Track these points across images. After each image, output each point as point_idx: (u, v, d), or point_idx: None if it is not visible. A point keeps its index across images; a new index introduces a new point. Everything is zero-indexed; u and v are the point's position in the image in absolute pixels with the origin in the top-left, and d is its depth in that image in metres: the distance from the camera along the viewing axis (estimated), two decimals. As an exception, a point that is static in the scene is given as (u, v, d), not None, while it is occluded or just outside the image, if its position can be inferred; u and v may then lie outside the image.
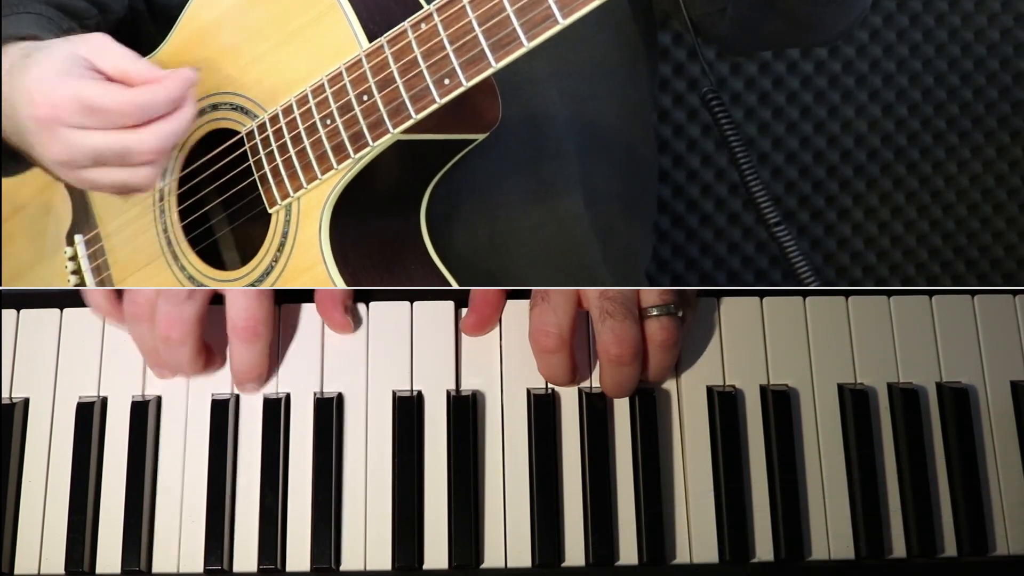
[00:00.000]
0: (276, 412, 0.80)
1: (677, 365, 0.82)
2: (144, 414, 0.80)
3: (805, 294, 0.84)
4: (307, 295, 0.82)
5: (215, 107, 0.84)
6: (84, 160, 0.74)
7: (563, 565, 0.78)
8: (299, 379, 0.82)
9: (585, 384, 0.81)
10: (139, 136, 0.74)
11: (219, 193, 0.86)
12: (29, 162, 0.79)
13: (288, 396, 0.81)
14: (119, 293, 0.79)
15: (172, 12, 0.86)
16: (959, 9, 1.27)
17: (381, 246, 0.82)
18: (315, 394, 0.81)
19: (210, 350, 0.80)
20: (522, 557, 0.78)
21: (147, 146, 0.74)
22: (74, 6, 0.87)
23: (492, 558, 0.78)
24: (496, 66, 0.72)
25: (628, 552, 0.78)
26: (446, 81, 0.73)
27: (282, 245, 0.82)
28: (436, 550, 0.78)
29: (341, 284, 0.79)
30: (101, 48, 0.75)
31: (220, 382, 0.82)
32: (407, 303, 0.83)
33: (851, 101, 1.28)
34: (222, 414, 0.80)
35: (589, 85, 0.94)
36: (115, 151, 0.73)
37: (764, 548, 0.78)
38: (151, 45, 0.87)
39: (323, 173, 0.79)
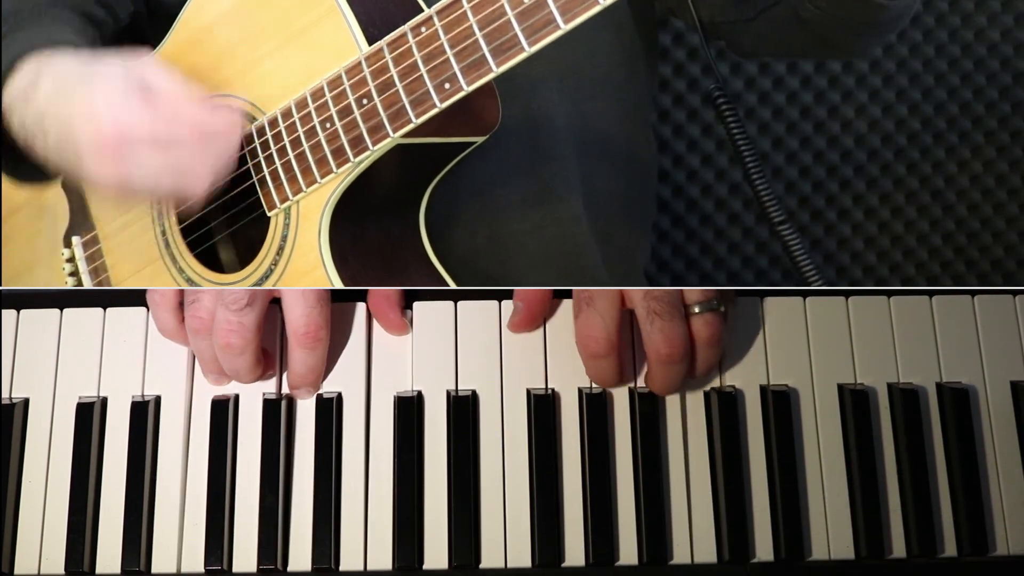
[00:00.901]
0: (276, 412, 0.80)
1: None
2: (144, 414, 0.80)
3: (805, 294, 0.84)
4: (307, 295, 0.82)
5: None
6: (141, 188, 0.74)
7: (563, 565, 0.78)
8: (299, 379, 0.82)
9: (584, 384, 0.81)
10: (196, 161, 0.74)
11: (218, 195, 0.86)
12: (50, 174, 0.79)
13: (288, 396, 0.81)
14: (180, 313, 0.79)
15: (172, 12, 0.85)
16: (959, 9, 1.27)
17: (381, 249, 0.82)
18: (316, 394, 0.81)
19: (267, 355, 0.80)
20: (522, 557, 0.78)
21: (204, 170, 0.74)
22: (95, 15, 0.87)
23: (492, 558, 0.78)
24: (497, 71, 0.72)
25: (628, 552, 0.78)
26: (447, 85, 0.73)
27: (281, 248, 0.82)
28: (436, 550, 0.78)
29: (340, 287, 0.79)
30: (155, 71, 0.76)
31: (220, 382, 0.82)
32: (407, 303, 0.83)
33: (851, 101, 1.28)
34: (222, 414, 0.80)
35: (589, 87, 0.93)
36: (173, 173, 0.74)
37: (764, 548, 0.78)
38: (151, 45, 0.87)
39: (322, 177, 0.79)
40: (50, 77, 0.77)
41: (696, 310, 0.76)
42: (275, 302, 0.81)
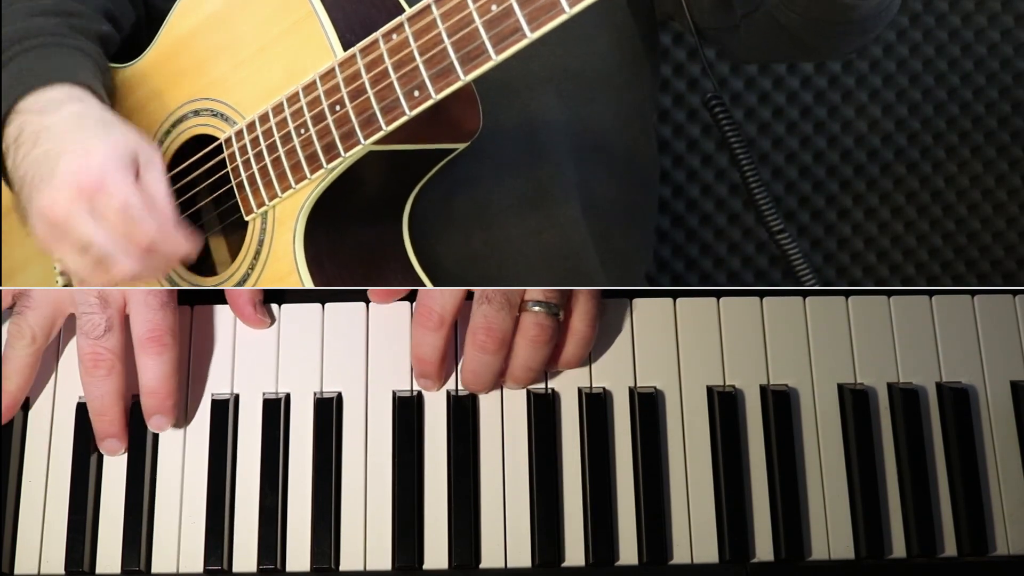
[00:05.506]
0: (276, 412, 0.80)
1: (677, 365, 0.82)
2: (144, 414, 0.80)
3: (805, 294, 0.84)
4: (309, 295, 0.82)
5: (196, 112, 0.83)
6: (72, 238, 0.72)
7: (563, 565, 0.78)
8: (299, 379, 0.82)
9: (584, 384, 0.81)
10: (127, 259, 0.72)
11: (199, 199, 0.86)
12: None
13: (288, 396, 0.81)
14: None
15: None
16: (959, 9, 1.27)
17: (359, 255, 0.82)
18: (315, 394, 0.81)
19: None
20: (522, 557, 0.78)
21: (126, 271, 0.72)
22: (108, 36, 0.87)
23: (492, 558, 0.78)
24: (464, 79, 0.71)
25: (628, 552, 0.78)
26: (416, 93, 0.73)
27: (258, 253, 0.81)
28: (436, 550, 0.78)
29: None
30: (155, 167, 0.74)
31: (220, 382, 0.82)
32: (407, 303, 0.83)
33: (851, 101, 1.28)
34: (222, 414, 0.80)
35: (588, 89, 0.93)
36: (102, 254, 0.72)
37: (764, 548, 0.78)
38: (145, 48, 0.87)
39: (297, 183, 0.79)
40: (79, 104, 0.76)
41: (532, 307, 0.75)
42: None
